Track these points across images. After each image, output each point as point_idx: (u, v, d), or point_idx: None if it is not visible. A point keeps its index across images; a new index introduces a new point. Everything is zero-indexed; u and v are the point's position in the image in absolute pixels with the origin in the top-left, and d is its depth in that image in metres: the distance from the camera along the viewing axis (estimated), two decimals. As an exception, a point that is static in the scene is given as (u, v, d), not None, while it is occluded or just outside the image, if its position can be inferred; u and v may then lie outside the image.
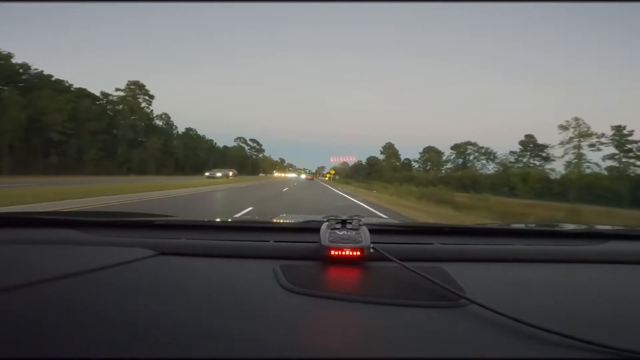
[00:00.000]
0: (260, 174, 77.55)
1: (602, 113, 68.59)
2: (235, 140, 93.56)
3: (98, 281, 0.59)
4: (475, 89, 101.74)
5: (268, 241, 0.79)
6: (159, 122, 51.67)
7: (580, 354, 0.44)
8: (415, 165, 73.44)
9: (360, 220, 0.76)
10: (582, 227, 1.07)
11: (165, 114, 53.99)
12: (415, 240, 0.83)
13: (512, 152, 51.18)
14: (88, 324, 0.46)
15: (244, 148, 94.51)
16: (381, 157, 75.09)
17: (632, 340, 0.46)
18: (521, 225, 1.15)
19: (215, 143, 71.46)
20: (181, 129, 59.47)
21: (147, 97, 45.92)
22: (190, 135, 60.56)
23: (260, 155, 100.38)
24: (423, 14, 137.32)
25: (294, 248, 0.75)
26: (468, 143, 60.40)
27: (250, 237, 0.83)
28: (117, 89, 43.25)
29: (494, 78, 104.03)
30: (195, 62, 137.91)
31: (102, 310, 0.50)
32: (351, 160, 78.52)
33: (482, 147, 58.75)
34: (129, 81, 44.42)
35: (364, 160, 78.19)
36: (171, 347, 0.42)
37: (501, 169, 47.69)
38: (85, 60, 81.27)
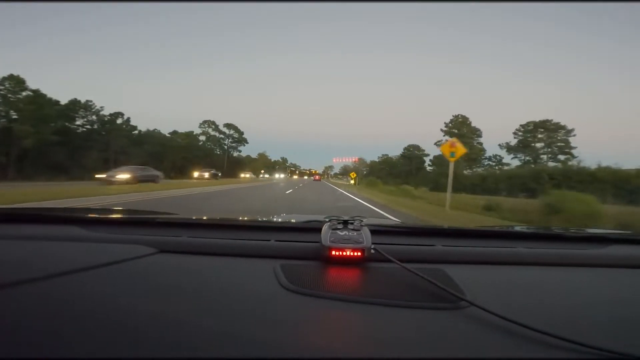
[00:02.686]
0: (243, 175, 46.38)
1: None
2: (201, 125, 63.29)
3: (99, 278, 0.59)
4: (478, 87, 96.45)
5: (269, 240, 0.78)
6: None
7: (580, 357, 0.43)
8: (486, 155, 47.83)
9: (362, 220, 0.76)
10: (584, 231, 1.06)
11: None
12: (416, 242, 0.83)
13: None
14: (87, 321, 0.45)
15: (217, 139, 64.12)
16: (444, 139, 47.26)
17: (633, 344, 0.46)
18: (523, 228, 1.14)
19: (129, 120, 38.59)
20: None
21: None
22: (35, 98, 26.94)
23: (241, 148, 69.15)
24: (426, 13, 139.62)
25: (294, 248, 0.75)
26: None
27: (252, 236, 0.83)
28: None
29: (497, 77, 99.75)
30: (195, 64, 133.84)
31: (102, 307, 0.49)
32: (354, 161, 68.85)
33: None
34: None
35: (369, 159, 63.94)
36: (170, 346, 0.41)
37: None
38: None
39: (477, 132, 47.04)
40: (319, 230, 0.73)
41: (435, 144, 48.94)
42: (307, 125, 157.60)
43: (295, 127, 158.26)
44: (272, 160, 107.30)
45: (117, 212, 1.16)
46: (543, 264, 0.76)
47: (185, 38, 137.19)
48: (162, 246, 0.74)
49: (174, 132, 51.97)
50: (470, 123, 47.23)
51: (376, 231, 0.76)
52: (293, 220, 1.04)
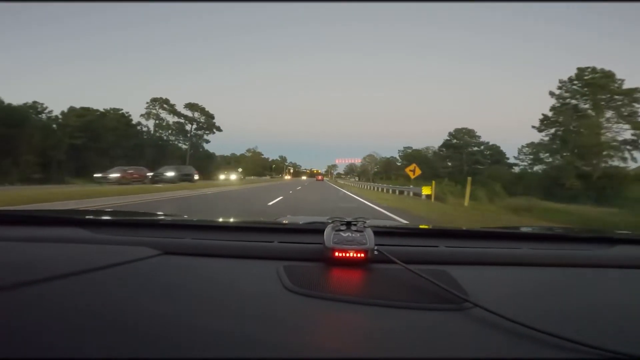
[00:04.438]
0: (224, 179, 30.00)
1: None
2: (149, 106, 42.64)
3: (103, 280, 0.59)
4: (476, 87, 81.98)
5: (272, 242, 0.79)
6: None
7: (584, 357, 0.43)
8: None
9: (365, 222, 0.76)
10: (590, 231, 1.05)
11: None
12: (420, 243, 0.82)
13: None
14: (92, 322, 0.46)
15: (178, 126, 43.78)
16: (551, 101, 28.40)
17: (638, 346, 0.45)
18: (527, 229, 1.13)
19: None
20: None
21: None
22: None
23: (206, 137, 48.20)
24: (428, 14, 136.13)
25: (297, 249, 0.75)
26: None
27: (255, 237, 0.83)
28: None
29: (495, 76, 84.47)
30: (195, 64, 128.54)
31: (106, 308, 0.49)
32: (357, 161, 67.22)
33: None
34: None
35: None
36: (174, 347, 0.41)
37: None
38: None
39: (631, 94, 24.96)
40: (322, 231, 0.73)
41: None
42: (308, 126, 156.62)
43: (297, 128, 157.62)
44: (269, 160, 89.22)
45: (122, 214, 1.18)
46: (548, 265, 0.76)
47: (184, 39, 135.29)
48: (167, 248, 0.75)
49: (87, 110, 31.29)
50: (615, 77, 25.10)
51: (379, 232, 0.76)
52: (295, 222, 1.04)
